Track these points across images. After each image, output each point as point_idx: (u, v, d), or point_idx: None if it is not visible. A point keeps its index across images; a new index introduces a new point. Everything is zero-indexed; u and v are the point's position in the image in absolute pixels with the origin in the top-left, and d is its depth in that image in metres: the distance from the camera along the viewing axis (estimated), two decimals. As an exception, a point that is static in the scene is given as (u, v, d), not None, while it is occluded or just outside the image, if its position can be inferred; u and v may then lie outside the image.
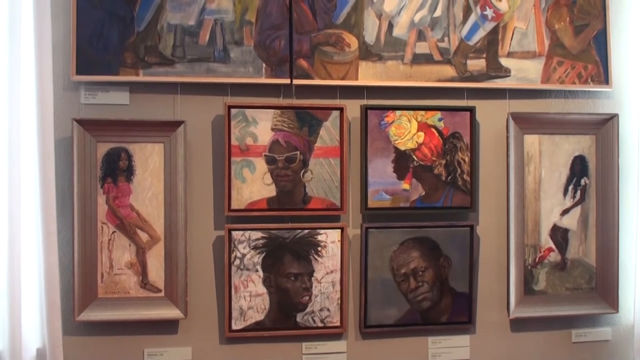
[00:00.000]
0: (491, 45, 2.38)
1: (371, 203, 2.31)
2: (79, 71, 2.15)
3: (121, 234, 2.19)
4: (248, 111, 2.24)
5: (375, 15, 2.32)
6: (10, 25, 2.07)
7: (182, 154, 2.20)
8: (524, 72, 2.39)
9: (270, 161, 2.26)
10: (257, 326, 2.27)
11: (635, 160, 2.51)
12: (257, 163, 2.25)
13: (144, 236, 2.21)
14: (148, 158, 2.20)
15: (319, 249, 2.28)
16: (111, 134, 2.18)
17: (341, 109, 2.29)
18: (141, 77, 2.19)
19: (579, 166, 2.45)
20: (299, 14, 2.26)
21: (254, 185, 2.25)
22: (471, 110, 2.37)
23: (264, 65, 2.24)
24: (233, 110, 2.23)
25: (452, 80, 2.36)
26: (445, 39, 2.36)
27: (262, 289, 2.26)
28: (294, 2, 2.25)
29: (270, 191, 2.26)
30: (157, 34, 2.20)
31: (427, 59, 2.34)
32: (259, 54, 2.24)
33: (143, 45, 2.19)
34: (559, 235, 2.45)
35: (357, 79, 2.30)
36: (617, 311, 2.48)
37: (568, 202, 2.45)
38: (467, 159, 2.36)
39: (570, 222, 2.46)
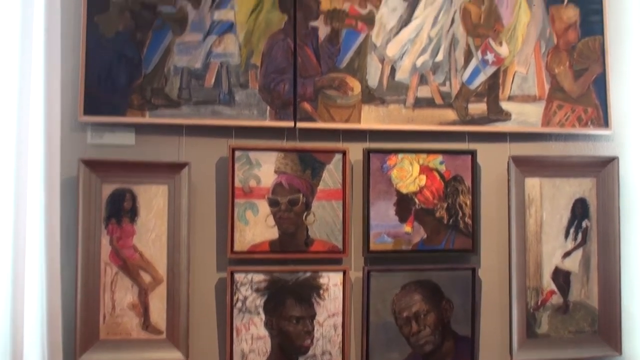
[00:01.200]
0: (492, 89, 2.51)
1: (373, 246, 2.40)
2: (87, 112, 2.27)
3: (124, 274, 2.28)
4: (252, 153, 2.35)
5: (378, 60, 2.45)
6: (21, 65, 2.14)
7: (186, 195, 2.30)
8: (525, 115, 2.52)
9: (273, 203, 2.36)
10: (259, 369, 2.33)
11: (636, 203, 2.60)
12: (260, 205, 2.35)
13: (146, 277, 2.29)
14: (152, 199, 2.30)
15: (321, 291, 2.37)
16: (116, 175, 2.28)
17: (344, 152, 2.40)
18: (147, 119, 2.30)
19: (580, 209, 2.55)
20: (303, 58, 2.39)
21: (257, 227, 2.34)
22: (472, 153, 2.48)
23: (268, 108, 2.36)
24: (237, 153, 2.34)
25: (453, 123, 2.47)
26: (447, 83, 2.48)
27: (264, 332, 2.34)
28: (299, 46, 2.39)
29: (273, 233, 2.35)
30: (164, 76, 2.32)
31: (428, 102, 2.47)
32: (263, 97, 2.36)
33: (150, 87, 2.31)
34: (561, 277, 2.54)
35: (359, 122, 2.42)
36: (621, 354, 2.55)
37: (569, 245, 2.55)
38: (468, 202, 2.46)
39: (572, 264, 2.55)
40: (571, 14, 2.58)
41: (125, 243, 2.28)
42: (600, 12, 2.59)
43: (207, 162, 2.37)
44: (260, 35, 2.38)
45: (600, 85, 2.57)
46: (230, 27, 2.37)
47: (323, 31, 2.42)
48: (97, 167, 2.26)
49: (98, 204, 2.26)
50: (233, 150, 2.33)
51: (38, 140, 2.16)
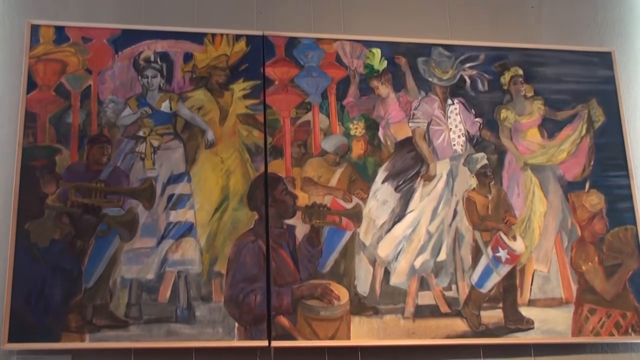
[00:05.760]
0: (508, 292, 2.57)
1: None
2: (12, 338, 2.28)
3: None
4: (217, 382, 2.37)
5: (368, 262, 2.54)
6: None
7: None
8: (550, 323, 2.57)
9: None
10: None
11: None
12: None
13: None
14: None
15: None
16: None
17: (331, 376, 2.43)
18: (87, 344, 2.32)
19: None
20: (278, 263, 2.47)
21: None
22: (490, 372, 2.52)
23: (236, 324, 2.39)
24: (198, 382, 2.35)
25: (464, 336, 2.51)
26: (453, 286, 2.56)
27: None
28: (272, 249, 2.48)
29: None
30: (109, 291, 2.37)
31: (432, 311, 2.52)
32: (230, 312, 2.40)
33: (91, 305, 2.35)
34: None
35: (349, 338, 2.44)
36: None
37: None
38: None
39: None
40: (595, 201, 2.72)
41: None
42: (629, 197, 2.75)
43: (162, 395, 2.38)
44: (226, 238, 2.47)
45: (639, 283, 2.66)
46: (189, 230, 2.47)
47: (301, 230, 2.52)
48: (22, 410, 2.24)
49: None
50: (193, 378, 2.35)
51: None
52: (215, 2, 2.80)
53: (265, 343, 2.39)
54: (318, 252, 2.51)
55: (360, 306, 2.48)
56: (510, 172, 2.74)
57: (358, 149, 2.65)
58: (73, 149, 2.49)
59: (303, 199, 2.56)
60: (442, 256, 2.58)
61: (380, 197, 2.61)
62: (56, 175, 2.45)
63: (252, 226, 2.49)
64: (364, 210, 2.58)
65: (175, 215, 2.48)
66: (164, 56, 2.64)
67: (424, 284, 2.54)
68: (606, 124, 2.84)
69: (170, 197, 2.50)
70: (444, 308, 2.52)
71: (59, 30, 2.59)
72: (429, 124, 2.72)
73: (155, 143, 2.55)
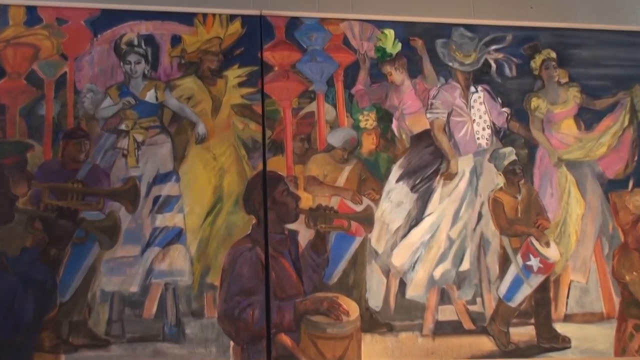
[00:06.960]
0: (541, 306, 2.50)
1: None
2: None
3: None
4: (211, 415, 2.29)
5: (381, 272, 2.46)
6: None
7: None
8: (590, 341, 2.49)
9: None
10: None
11: None
12: None
13: None
14: None
15: None
16: None
17: (340, 405, 2.33)
18: None
19: None
20: (279, 274, 2.38)
21: None
22: (522, 398, 2.43)
23: (231, 344, 2.32)
24: (190, 410, 2.28)
25: (490, 356, 2.44)
26: (478, 300, 2.48)
27: None
28: (272, 258, 2.39)
29: None
30: (87, 306, 2.30)
31: (454, 328, 2.44)
32: (224, 329, 2.33)
33: (67, 321, 2.28)
34: None
35: (359, 358, 2.36)
36: None
37: None
38: None
39: None
40: (640, 201, 2.68)
41: None
42: (679, 196, 2.69)
43: None
44: (219, 245, 2.41)
45: (690, 296, 2.58)
46: (178, 236, 2.41)
47: (304, 236, 2.46)
48: None
49: None
50: (184, 406, 2.28)
51: None
52: (206, -23, 2.75)
53: (265, 365, 2.32)
54: (324, 261, 2.44)
55: (372, 322, 2.40)
56: (543, 169, 2.68)
57: (369, 143, 2.61)
58: (46, 144, 2.45)
59: (307, 201, 2.51)
60: (465, 265, 2.51)
61: (395, 198, 2.55)
62: (27, 175, 2.41)
63: (249, 232, 2.44)
64: (375, 213, 2.53)
65: (162, 220, 2.43)
66: (149, 39, 2.62)
67: (444, 297, 2.48)
68: (652, 114, 2.78)
69: (157, 199, 2.46)
70: (468, 324, 2.45)
71: (31, 10, 2.56)
72: (449, 115, 2.67)
73: (139, 138, 2.51)
